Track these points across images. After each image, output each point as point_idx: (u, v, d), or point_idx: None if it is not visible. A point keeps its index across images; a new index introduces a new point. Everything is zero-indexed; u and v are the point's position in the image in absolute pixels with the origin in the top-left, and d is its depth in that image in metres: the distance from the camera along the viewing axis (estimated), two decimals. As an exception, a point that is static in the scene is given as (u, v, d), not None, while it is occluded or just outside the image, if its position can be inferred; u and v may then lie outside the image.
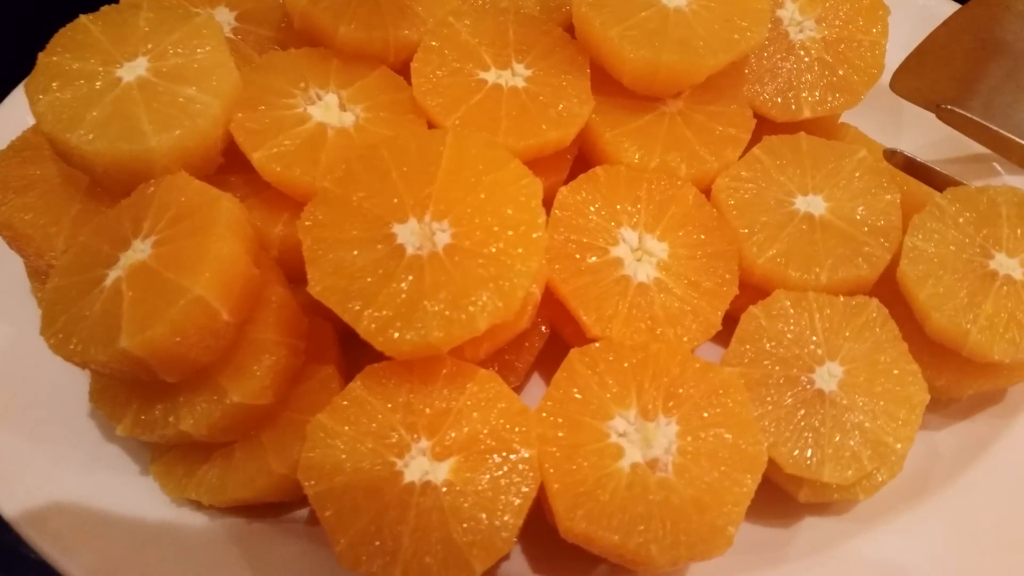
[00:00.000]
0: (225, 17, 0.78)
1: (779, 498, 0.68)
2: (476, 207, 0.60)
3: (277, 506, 0.69)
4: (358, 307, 0.57)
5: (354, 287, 0.58)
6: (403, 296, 0.58)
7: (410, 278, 0.58)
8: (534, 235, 0.59)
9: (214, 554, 0.66)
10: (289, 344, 0.64)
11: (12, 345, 0.73)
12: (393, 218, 0.60)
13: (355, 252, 0.59)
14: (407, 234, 0.60)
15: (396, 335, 0.57)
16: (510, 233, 0.59)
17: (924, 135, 0.83)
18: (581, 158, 0.77)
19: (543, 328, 0.73)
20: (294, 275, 0.67)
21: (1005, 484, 0.69)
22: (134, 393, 0.63)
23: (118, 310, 0.57)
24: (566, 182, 0.73)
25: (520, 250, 0.58)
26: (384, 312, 0.57)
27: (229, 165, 0.69)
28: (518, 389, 0.75)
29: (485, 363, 0.69)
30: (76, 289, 0.60)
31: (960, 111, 0.71)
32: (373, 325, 0.57)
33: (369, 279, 0.58)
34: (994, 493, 0.69)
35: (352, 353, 0.69)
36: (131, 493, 0.68)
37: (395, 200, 0.61)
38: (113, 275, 0.59)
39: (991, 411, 0.74)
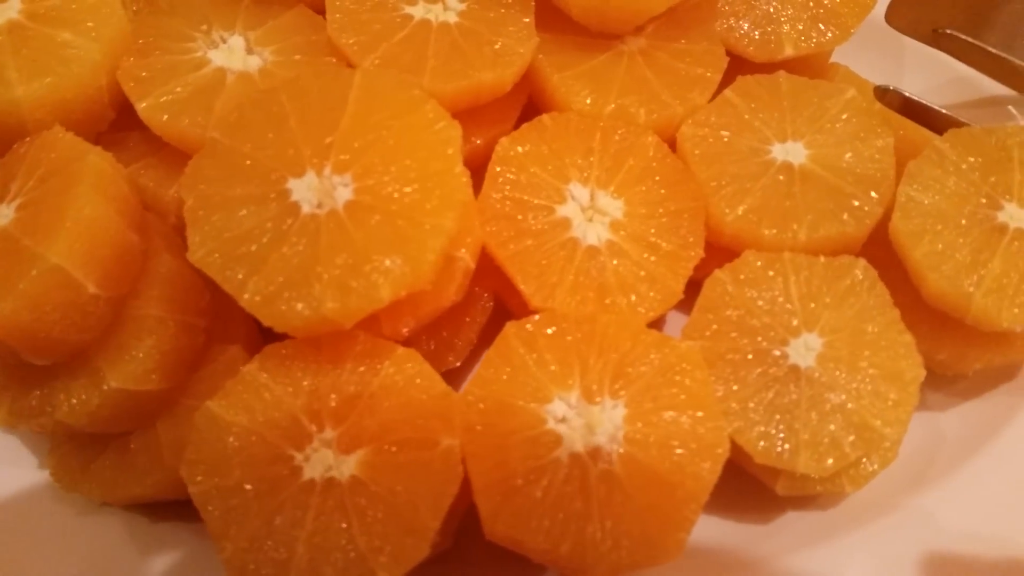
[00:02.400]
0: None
1: (756, 490, 0.59)
2: (383, 156, 0.51)
3: (188, 504, 0.61)
4: (241, 276, 0.49)
5: (239, 253, 0.50)
6: (295, 262, 0.49)
7: (304, 241, 0.50)
8: (449, 188, 0.50)
9: (111, 558, 0.59)
10: (180, 321, 0.56)
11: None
12: (289, 172, 0.52)
13: (243, 212, 0.51)
14: (303, 190, 0.51)
15: (284, 307, 0.48)
16: (420, 186, 0.50)
17: (928, 76, 0.73)
18: (533, 107, 0.68)
19: (487, 300, 0.64)
20: None
21: (1018, 472, 0.60)
22: (11, 377, 0.56)
23: (-31, 284, 0.49)
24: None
25: (431, 206, 0.50)
26: (272, 282, 0.49)
27: (126, 121, 0.61)
28: (461, 370, 0.66)
29: (417, 341, 0.61)
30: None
31: (961, 35, 0.61)
32: (258, 297, 0.49)
33: (256, 244, 0.50)
34: (1005, 482, 0.60)
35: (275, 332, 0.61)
36: (27, 489, 0.61)
37: (292, 151, 0.52)
38: (-29, 240, 0.51)
39: (1003, 389, 0.64)
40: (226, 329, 0.60)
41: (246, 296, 0.49)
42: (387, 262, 0.48)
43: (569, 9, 0.62)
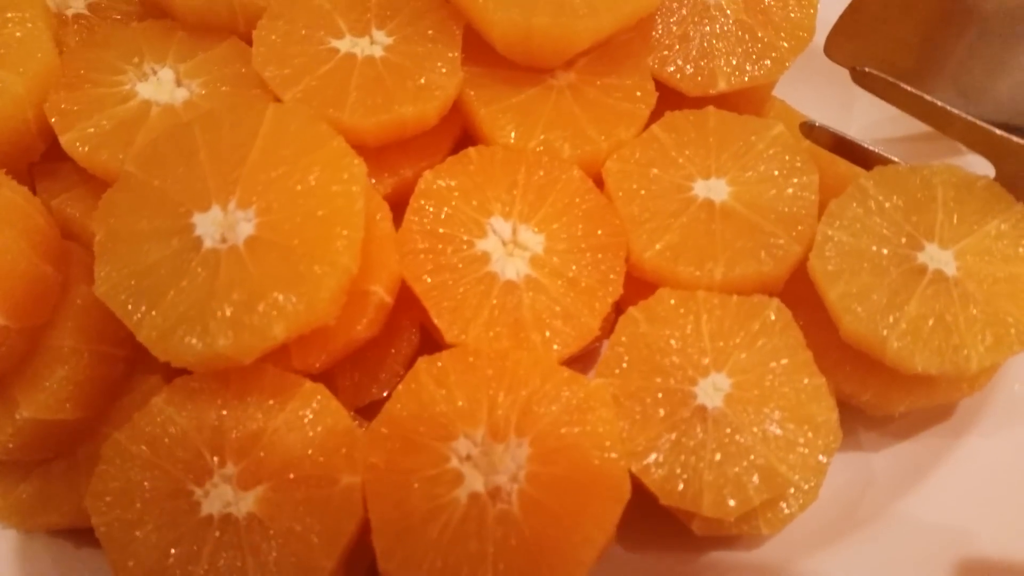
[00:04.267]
0: (80, -8, 0.71)
1: (678, 530, 0.59)
2: (287, 193, 0.52)
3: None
4: (140, 312, 0.49)
5: (140, 287, 0.50)
6: (192, 297, 0.49)
7: (203, 276, 0.50)
8: (350, 227, 0.50)
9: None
10: (96, 352, 0.56)
11: None
12: (195, 206, 0.52)
13: (147, 246, 0.51)
14: (207, 224, 0.52)
15: (178, 343, 0.48)
16: (320, 224, 0.50)
17: (879, 107, 0.72)
18: (470, 139, 0.68)
19: (412, 331, 0.64)
20: None
21: (946, 513, 0.59)
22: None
23: None
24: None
25: (330, 244, 0.50)
26: (168, 317, 0.49)
27: (58, 150, 0.62)
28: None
29: (341, 373, 0.61)
30: None
31: (876, 73, 0.60)
32: (154, 333, 0.49)
33: (156, 279, 0.50)
34: (933, 524, 0.59)
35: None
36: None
37: (199, 185, 0.53)
38: None
39: (936, 430, 0.63)
40: (148, 358, 0.61)
41: (143, 332, 0.49)
42: (282, 299, 0.48)
43: (493, 42, 0.62)
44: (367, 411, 0.64)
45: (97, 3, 0.71)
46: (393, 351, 0.63)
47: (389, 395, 0.64)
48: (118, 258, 0.51)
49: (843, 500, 0.61)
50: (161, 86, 0.62)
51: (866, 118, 0.77)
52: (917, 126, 0.73)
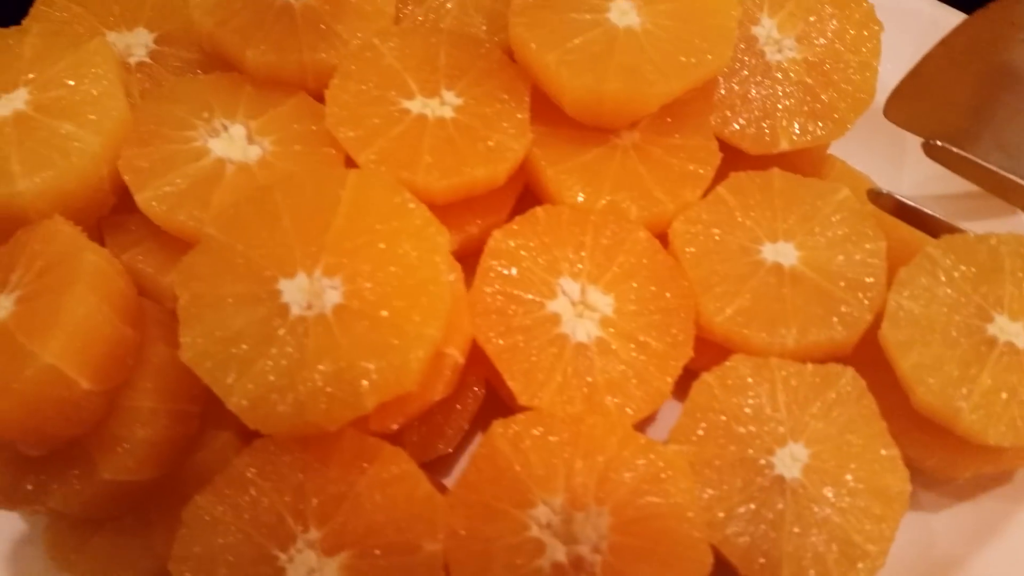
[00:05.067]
0: (143, 39, 0.71)
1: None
2: (372, 261, 0.52)
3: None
4: (230, 379, 0.50)
5: (228, 354, 0.50)
6: (282, 365, 0.50)
7: (292, 344, 0.50)
8: (436, 297, 0.51)
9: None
10: (173, 411, 0.56)
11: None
12: (280, 272, 0.53)
13: (233, 312, 0.52)
14: (294, 292, 0.52)
15: (269, 412, 0.49)
16: (407, 294, 0.51)
17: (928, 168, 0.73)
18: (529, 195, 0.68)
19: (478, 388, 0.64)
20: None
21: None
22: (5, 464, 0.56)
23: (-34, 378, 0.50)
24: (507, 223, 0.65)
25: (418, 314, 0.50)
26: (259, 385, 0.49)
27: (126, 204, 0.62)
28: (452, 457, 0.66)
29: (407, 429, 0.61)
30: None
31: (951, 147, 0.61)
32: (244, 401, 0.49)
33: (244, 346, 0.50)
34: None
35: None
36: (25, 561, 0.61)
37: (284, 251, 0.53)
38: (-32, 334, 0.52)
39: (998, 492, 0.64)
40: (219, 413, 0.61)
41: (233, 400, 0.49)
42: (372, 369, 0.49)
43: (562, 105, 0.63)
44: (432, 467, 0.64)
45: (158, 51, 0.71)
46: (459, 407, 0.64)
47: (454, 451, 0.66)
48: (204, 323, 0.52)
49: (905, 562, 0.62)
50: (233, 143, 0.62)
51: (917, 174, 0.78)
52: (961, 187, 0.74)
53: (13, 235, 0.57)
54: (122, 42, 0.70)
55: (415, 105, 0.63)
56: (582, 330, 0.59)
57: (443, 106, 0.63)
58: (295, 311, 0.51)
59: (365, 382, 0.49)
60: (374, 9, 0.67)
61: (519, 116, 0.63)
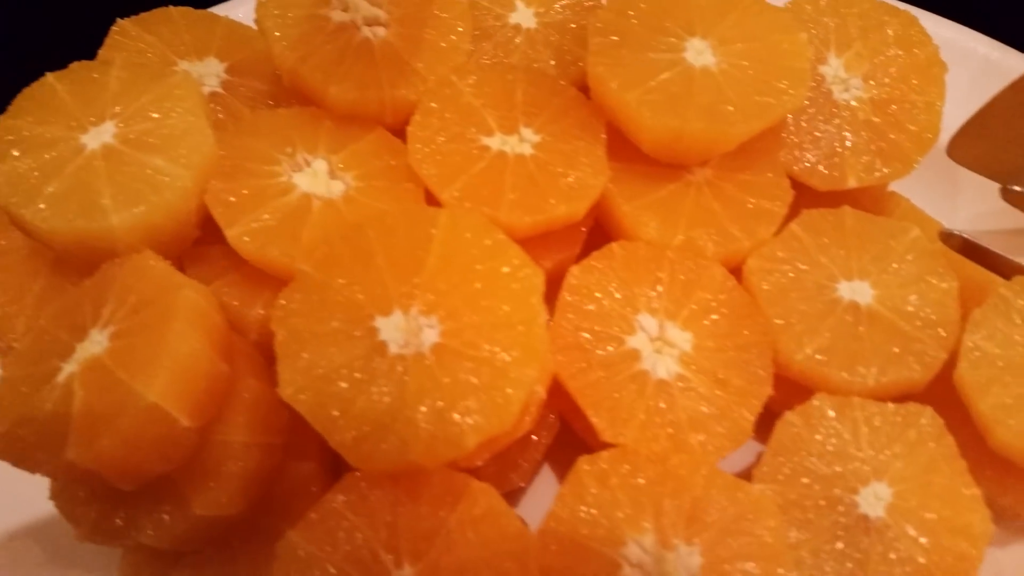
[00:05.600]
0: (214, 69, 0.72)
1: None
2: (468, 301, 0.53)
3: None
4: (334, 417, 0.50)
5: (330, 391, 0.51)
6: (384, 404, 0.50)
7: (391, 383, 0.51)
8: (533, 338, 0.51)
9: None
10: (263, 445, 0.57)
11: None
12: (376, 310, 0.53)
13: (332, 349, 0.52)
14: (391, 330, 0.53)
15: (372, 450, 0.49)
16: (505, 334, 0.52)
17: (987, 205, 0.74)
18: (598, 229, 0.69)
19: (552, 421, 0.65)
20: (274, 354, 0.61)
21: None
22: (94, 496, 0.57)
23: (67, 414, 0.51)
24: (579, 257, 0.66)
25: (516, 355, 0.51)
26: (362, 422, 0.50)
27: (207, 234, 0.63)
28: (523, 491, 0.67)
29: (483, 464, 0.62)
30: (29, 383, 0.54)
31: (1030, 194, 0.62)
32: (347, 438, 0.50)
33: (345, 383, 0.51)
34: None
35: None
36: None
37: (379, 289, 0.54)
38: (67, 369, 0.53)
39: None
40: (300, 444, 0.61)
41: (336, 437, 0.50)
42: (474, 409, 0.50)
43: (640, 143, 0.64)
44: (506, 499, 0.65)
45: (230, 81, 0.72)
46: (534, 440, 0.64)
47: (527, 485, 0.66)
48: (302, 360, 0.52)
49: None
50: (317, 178, 0.63)
51: (970, 209, 0.79)
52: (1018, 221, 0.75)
53: (99, 267, 0.58)
54: (195, 72, 0.71)
55: (495, 142, 0.64)
56: (662, 367, 0.60)
57: (522, 143, 0.64)
58: (393, 349, 0.52)
59: (468, 421, 0.49)
60: (450, 45, 0.68)
61: (596, 153, 0.64)
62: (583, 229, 0.68)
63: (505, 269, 0.54)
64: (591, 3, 0.76)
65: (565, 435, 0.66)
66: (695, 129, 0.61)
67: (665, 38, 0.65)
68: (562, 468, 0.66)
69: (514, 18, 0.74)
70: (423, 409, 0.50)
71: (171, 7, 0.75)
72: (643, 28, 0.66)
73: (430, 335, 0.52)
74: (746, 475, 0.58)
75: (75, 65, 0.63)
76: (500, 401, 0.50)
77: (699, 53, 0.65)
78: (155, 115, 0.61)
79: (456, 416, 0.50)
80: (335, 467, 0.63)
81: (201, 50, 0.72)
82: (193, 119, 0.61)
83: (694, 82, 0.63)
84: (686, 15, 0.67)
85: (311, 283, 0.55)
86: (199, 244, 0.64)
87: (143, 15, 0.73)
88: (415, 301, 0.53)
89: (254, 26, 0.70)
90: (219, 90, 0.71)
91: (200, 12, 0.75)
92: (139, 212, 0.56)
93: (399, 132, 0.68)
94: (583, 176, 0.63)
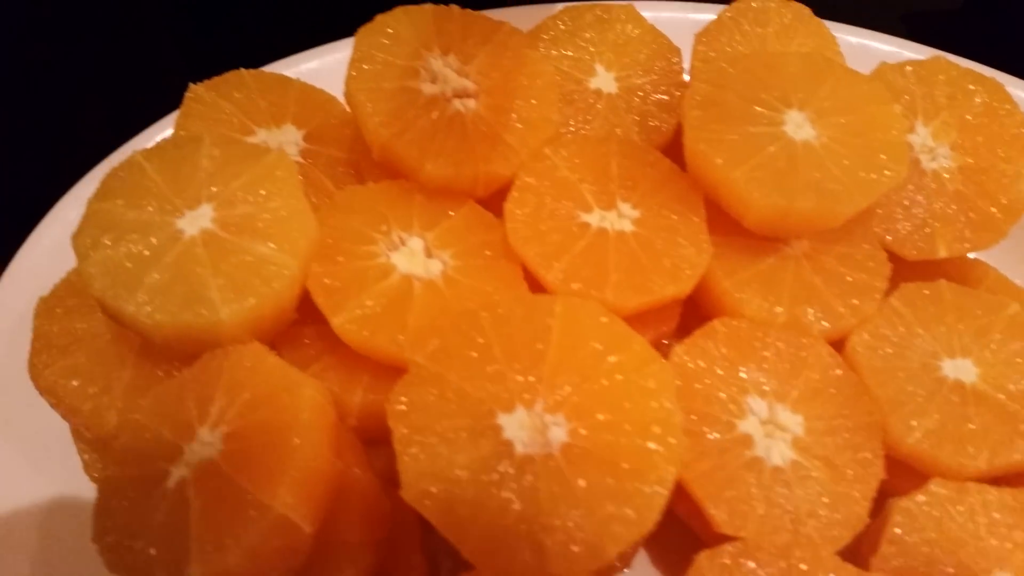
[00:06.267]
0: (292, 136, 0.70)
1: None
2: (596, 398, 0.52)
3: None
4: (464, 524, 0.49)
5: (456, 495, 0.49)
6: (515, 511, 0.49)
7: (524, 486, 0.49)
8: (670, 436, 0.50)
9: None
10: (375, 542, 0.55)
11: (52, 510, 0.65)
12: (497, 406, 0.52)
13: (455, 448, 0.51)
14: (515, 428, 0.51)
15: (508, 560, 0.48)
16: (639, 434, 0.50)
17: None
18: (689, 301, 0.68)
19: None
20: (371, 437, 0.59)
21: None
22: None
23: (185, 525, 0.48)
24: (676, 331, 0.65)
25: (655, 455, 0.50)
26: (493, 531, 0.48)
27: (300, 314, 0.61)
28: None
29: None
30: (135, 487, 0.51)
31: None
32: (482, 547, 0.48)
33: (473, 486, 0.49)
34: None
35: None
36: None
37: (499, 383, 0.52)
38: (177, 473, 0.51)
39: None
40: (402, 534, 0.60)
41: (468, 546, 0.48)
42: (613, 516, 0.48)
43: (742, 219, 0.63)
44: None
45: (308, 149, 0.70)
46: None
47: (624, 566, 0.65)
48: (424, 460, 0.51)
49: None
50: (414, 258, 0.61)
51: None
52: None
53: (196, 357, 0.56)
54: (273, 140, 0.69)
55: (594, 218, 0.63)
56: (776, 453, 0.59)
57: (621, 219, 0.63)
58: (519, 448, 0.51)
59: (611, 529, 0.48)
60: (540, 116, 0.67)
61: (698, 228, 0.63)
62: (679, 304, 0.66)
63: (633, 364, 0.52)
64: (670, 64, 0.75)
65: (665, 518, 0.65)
66: (804, 208, 0.60)
67: (763, 110, 0.64)
68: (657, 549, 0.65)
69: (594, 83, 0.73)
70: (559, 516, 0.48)
71: (243, 70, 0.73)
72: (740, 100, 0.65)
73: (558, 434, 0.51)
74: (851, 551, 0.57)
75: (163, 143, 0.61)
76: (643, 504, 0.49)
77: (798, 126, 0.64)
78: (254, 198, 0.58)
79: (597, 523, 0.48)
80: (433, 557, 0.61)
81: (278, 117, 0.71)
82: (295, 202, 0.58)
83: (797, 158, 0.62)
84: (780, 85, 0.66)
85: (427, 377, 0.53)
86: (291, 324, 0.62)
87: (216, 80, 0.71)
88: (538, 397, 0.52)
89: (320, 85, 0.68)
90: (299, 159, 0.69)
91: (272, 75, 0.73)
92: (249, 305, 0.54)
93: (486, 203, 0.66)
94: (687, 253, 0.62)
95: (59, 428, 0.64)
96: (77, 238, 0.57)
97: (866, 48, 0.84)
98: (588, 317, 0.54)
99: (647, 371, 0.52)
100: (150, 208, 0.58)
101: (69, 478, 0.65)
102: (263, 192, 0.59)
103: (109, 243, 0.56)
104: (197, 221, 0.57)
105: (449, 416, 0.52)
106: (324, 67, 0.85)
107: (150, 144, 0.75)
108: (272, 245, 0.56)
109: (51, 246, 0.74)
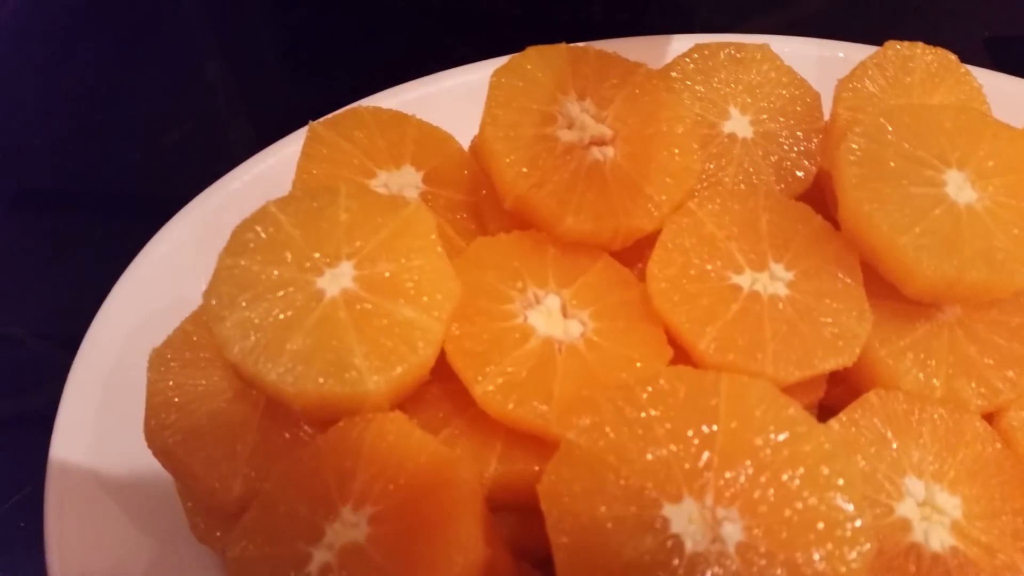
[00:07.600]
0: (412, 179, 0.67)
1: None
2: (773, 493, 0.48)
3: None
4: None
5: (622, 593, 0.46)
6: (689, 615, 0.46)
7: (697, 589, 0.46)
8: (859, 542, 0.47)
9: None
10: (513, 623, 0.52)
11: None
12: (663, 495, 0.49)
13: (618, 539, 0.48)
14: (683, 521, 0.48)
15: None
16: (824, 536, 0.47)
17: None
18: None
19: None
20: (497, 505, 0.56)
21: None
22: None
23: (332, 616, 0.46)
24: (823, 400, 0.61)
25: (838, 560, 0.46)
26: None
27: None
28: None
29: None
30: (272, 568, 0.49)
31: None
32: (657, 655, 0.45)
33: (641, 586, 0.46)
34: None
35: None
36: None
37: (664, 469, 0.49)
38: (320, 557, 0.48)
39: None
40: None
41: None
42: (797, 626, 0.45)
43: (903, 286, 0.59)
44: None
45: (427, 191, 0.67)
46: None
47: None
48: (582, 554, 0.47)
49: None
50: (552, 318, 0.58)
51: None
52: None
53: (333, 423, 0.53)
54: (394, 183, 0.66)
55: (745, 280, 0.59)
56: (935, 538, 0.55)
57: (774, 281, 0.59)
58: (690, 546, 0.47)
59: (794, 643, 0.45)
60: (681, 167, 0.63)
61: (857, 294, 0.59)
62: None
63: (806, 448, 0.49)
64: (807, 108, 0.71)
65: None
66: (975, 278, 0.56)
67: (922, 170, 0.60)
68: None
69: (728, 127, 0.70)
70: (740, 624, 0.45)
71: (361, 106, 0.70)
72: (898, 157, 0.61)
73: (732, 532, 0.47)
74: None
75: (296, 193, 0.58)
76: (824, 615, 0.45)
77: (959, 188, 0.60)
78: (395, 255, 0.55)
79: (777, 632, 0.45)
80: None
81: (397, 158, 0.68)
82: (438, 261, 0.55)
83: (962, 223, 0.58)
84: (937, 142, 0.62)
85: (580, 457, 0.50)
86: (418, 384, 0.59)
87: (334, 117, 0.69)
88: (708, 487, 0.49)
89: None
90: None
91: (390, 113, 0.70)
92: (397, 374, 0.51)
93: (618, 254, 0.63)
94: (847, 322, 0.58)
95: (163, 481, 0.62)
96: (209, 295, 0.54)
97: (1014, 98, 0.79)
98: (753, 396, 0.51)
99: (820, 456, 0.49)
100: (287, 265, 0.54)
101: (174, 536, 0.62)
102: (405, 249, 0.55)
103: (245, 304, 0.53)
104: (338, 280, 0.54)
105: (607, 504, 0.48)
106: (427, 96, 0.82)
107: (236, 184, 0.74)
108: (417, 308, 0.53)
109: (139, 288, 0.72)
